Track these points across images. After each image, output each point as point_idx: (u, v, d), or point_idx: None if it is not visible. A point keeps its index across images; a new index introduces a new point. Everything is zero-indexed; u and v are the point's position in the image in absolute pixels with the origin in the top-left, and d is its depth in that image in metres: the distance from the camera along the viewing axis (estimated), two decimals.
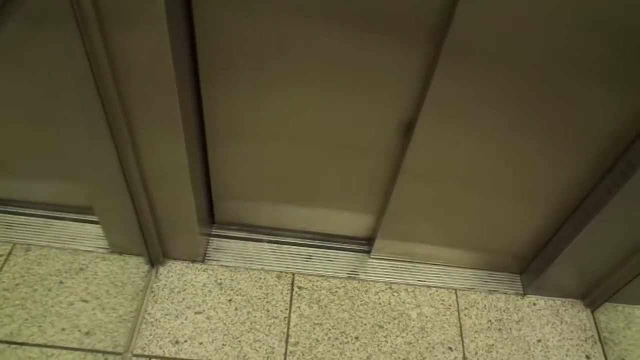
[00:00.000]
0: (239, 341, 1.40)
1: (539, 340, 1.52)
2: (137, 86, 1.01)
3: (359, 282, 1.58)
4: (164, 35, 0.90)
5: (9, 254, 1.49)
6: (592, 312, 1.61)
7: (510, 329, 1.53)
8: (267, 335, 1.42)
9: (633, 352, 1.53)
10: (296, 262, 1.59)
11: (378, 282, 1.59)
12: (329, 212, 1.55)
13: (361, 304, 1.53)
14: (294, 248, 1.63)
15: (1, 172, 1.48)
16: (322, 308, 1.50)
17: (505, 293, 1.62)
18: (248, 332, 1.42)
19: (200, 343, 1.39)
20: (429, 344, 1.47)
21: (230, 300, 1.48)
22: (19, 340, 1.32)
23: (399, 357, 1.43)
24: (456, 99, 1.10)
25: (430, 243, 1.57)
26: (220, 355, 1.37)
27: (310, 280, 1.56)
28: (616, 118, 1.11)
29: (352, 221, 1.59)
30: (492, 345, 1.49)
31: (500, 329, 1.53)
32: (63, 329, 1.36)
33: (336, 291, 1.55)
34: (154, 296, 1.46)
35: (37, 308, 1.39)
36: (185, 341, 1.38)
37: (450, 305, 1.56)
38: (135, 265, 1.52)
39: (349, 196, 1.47)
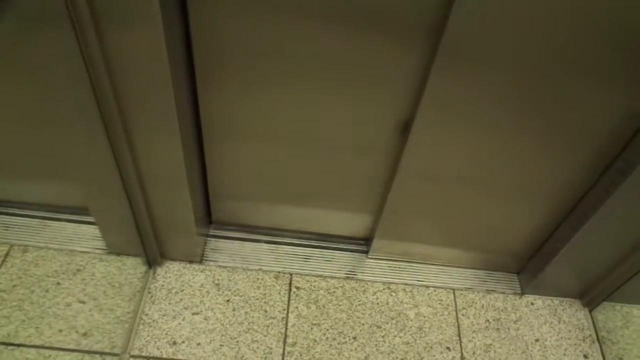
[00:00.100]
0: (237, 342, 1.40)
1: (536, 340, 1.51)
2: (133, 86, 1.00)
3: (356, 282, 1.58)
4: (160, 35, 0.90)
5: (6, 255, 1.48)
6: (590, 311, 1.61)
7: (508, 328, 1.53)
8: (264, 336, 1.42)
9: (631, 351, 1.53)
10: (294, 263, 1.59)
11: (376, 282, 1.59)
12: (327, 212, 1.55)
13: (359, 304, 1.53)
14: (291, 248, 1.63)
15: None
16: (319, 308, 1.50)
17: (503, 293, 1.62)
18: (246, 332, 1.42)
19: (198, 344, 1.38)
20: (427, 343, 1.46)
21: (227, 300, 1.48)
22: (16, 342, 1.32)
23: (397, 357, 1.43)
24: (453, 99, 1.10)
25: (428, 243, 1.57)
26: (218, 355, 1.37)
27: (308, 281, 1.56)
28: (614, 117, 1.11)
29: (349, 221, 1.59)
30: (490, 345, 1.49)
31: (498, 329, 1.52)
32: (60, 330, 1.36)
33: (334, 291, 1.55)
34: (152, 297, 1.46)
35: (35, 309, 1.38)
36: (183, 342, 1.38)
37: (448, 305, 1.56)
38: (133, 266, 1.51)
39: (347, 196, 1.47)
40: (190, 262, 1.55)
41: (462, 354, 1.46)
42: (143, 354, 1.35)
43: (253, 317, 1.46)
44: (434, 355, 1.44)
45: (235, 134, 1.28)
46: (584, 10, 0.91)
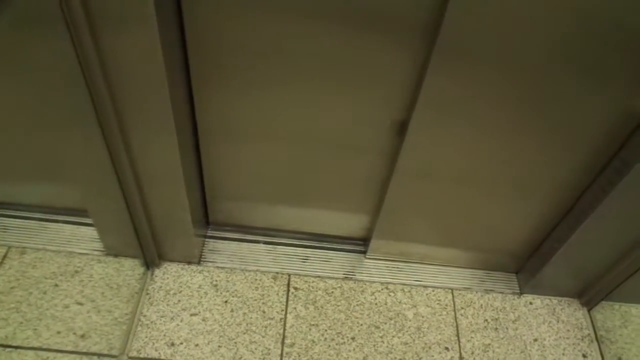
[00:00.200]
0: (235, 343, 1.40)
1: (535, 340, 1.51)
2: (128, 87, 1.00)
3: (355, 283, 1.58)
4: (155, 36, 0.90)
5: (4, 257, 1.48)
6: (589, 310, 1.61)
7: (507, 328, 1.53)
8: (263, 337, 1.42)
9: (629, 350, 1.53)
10: (292, 263, 1.59)
11: (374, 282, 1.58)
12: (325, 213, 1.55)
13: (357, 305, 1.52)
14: (289, 249, 1.62)
15: None
16: (318, 309, 1.50)
17: (502, 292, 1.62)
18: (244, 333, 1.42)
19: (196, 345, 1.38)
20: (426, 344, 1.46)
21: (226, 301, 1.48)
22: (14, 344, 1.32)
23: (396, 358, 1.42)
24: (449, 98, 1.10)
25: (426, 243, 1.57)
26: (216, 357, 1.37)
27: (306, 281, 1.56)
28: (611, 116, 1.11)
29: (347, 221, 1.59)
30: (489, 344, 1.48)
31: (496, 329, 1.52)
32: (58, 332, 1.36)
33: (332, 292, 1.54)
34: (150, 298, 1.46)
35: (32, 311, 1.38)
36: (181, 343, 1.38)
37: (446, 305, 1.56)
38: (131, 268, 1.51)
39: (344, 196, 1.47)
40: (188, 263, 1.55)
41: (460, 354, 1.46)
42: (141, 356, 1.35)
43: (251, 318, 1.45)
44: (433, 356, 1.44)
45: (231, 135, 1.28)
46: (582, 9, 0.91)
